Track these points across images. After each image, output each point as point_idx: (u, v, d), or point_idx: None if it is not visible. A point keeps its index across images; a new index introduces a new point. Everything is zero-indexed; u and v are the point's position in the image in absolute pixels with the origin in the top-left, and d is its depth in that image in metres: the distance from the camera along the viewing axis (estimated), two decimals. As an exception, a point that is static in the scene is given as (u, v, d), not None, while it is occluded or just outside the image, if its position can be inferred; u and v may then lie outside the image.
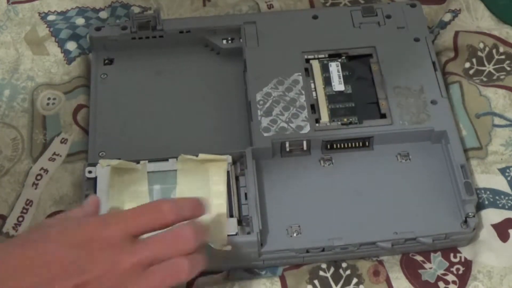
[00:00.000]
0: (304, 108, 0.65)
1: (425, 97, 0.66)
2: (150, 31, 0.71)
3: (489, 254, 0.61)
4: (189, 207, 0.53)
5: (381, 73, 0.67)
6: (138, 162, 0.62)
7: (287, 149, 0.64)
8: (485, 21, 0.75)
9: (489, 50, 0.72)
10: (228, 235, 0.58)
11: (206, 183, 0.61)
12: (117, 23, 0.72)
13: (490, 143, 0.67)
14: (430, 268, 0.62)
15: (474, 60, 0.72)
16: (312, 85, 0.67)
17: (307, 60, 0.69)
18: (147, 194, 0.60)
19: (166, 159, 0.62)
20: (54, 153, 0.67)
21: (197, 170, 0.61)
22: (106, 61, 0.71)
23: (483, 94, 0.69)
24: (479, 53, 0.72)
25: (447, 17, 0.75)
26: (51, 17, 0.76)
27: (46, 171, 0.66)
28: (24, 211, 0.64)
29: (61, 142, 0.67)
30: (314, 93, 0.67)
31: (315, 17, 0.72)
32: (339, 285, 0.61)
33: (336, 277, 0.61)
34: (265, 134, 0.64)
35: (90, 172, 0.61)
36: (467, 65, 0.72)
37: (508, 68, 0.71)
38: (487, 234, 0.62)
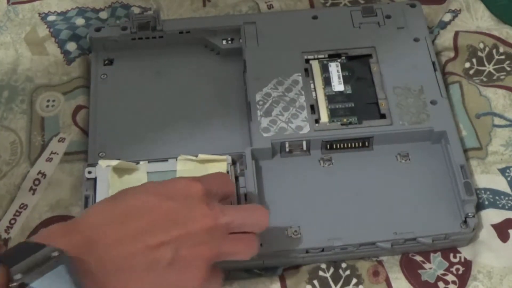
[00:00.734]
0: (304, 108, 0.65)
1: (425, 97, 0.66)
2: (150, 31, 0.71)
3: (489, 254, 0.61)
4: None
5: (381, 73, 0.67)
6: (138, 163, 0.62)
7: (287, 150, 0.64)
8: (485, 21, 0.75)
9: (489, 50, 0.72)
10: (228, 235, 0.58)
11: (205, 183, 0.61)
12: (117, 24, 0.72)
13: (490, 143, 0.67)
14: (430, 268, 0.62)
15: (474, 60, 0.72)
16: (312, 85, 0.67)
17: (307, 60, 0.68)
18: (147, 195, 0.60)
19: (166, 160, 0.62)
20: (52, 152, 0.67)
21: (197, 170, 0.61)
22: (106, 62, 0.71)
23: (483, 94, 0.69)
24: (479, 53, 0.72)
25: (447, 17, 0.75)
26: (51, 18, 0.76)
27: (44, 175, 0.65)
28: (17, 213, 0.64)
29: (59, 141, 0.67)
30: (313, 93, 0.67)
31: (315, 17, 0.72)
32: (339, 285, 0.61)
33: (336, 277, 0.61)
34: (265, 135, 0.64)
35: (90, 172, 0.62)
36: (467, 65, 0.72)
37: (508, 68, 0.71)
38: (487, 234, 0.62)
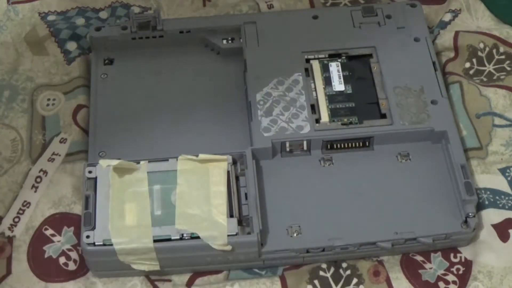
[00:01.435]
0: (304, 108, 0.65)
1: (425, 97, 0.66)
2: (150, 31, 0.71)
3: (489, 254, 0.61)
4: None
5: (381, 73, 0.67)
6: (138, 162, 0.62)
7: (287, 149, 0.64)
8: (485, 21, 0.75)
9: (489, 50, 0.72)
10: (228, 235, 0.58)
11: (206, 183, 0.61)
12: (117, 23, 0.72)
13: (490, 143, 0.67)
14: (430, 268, 0.62)
15: (474, 60, 0.72)
16: (312, 85, 0.67)
17: (307, 60, 0.68)
18: (147, 194, 0.60)
19: (166, 159, 0.62)
20: (53, 153, 0.67)
21: (197, 170, 0.61)
22: (106, 61, 0.71)
23: (483, 94, 0.69)
24: (479, 53, 0.72)
25: (447, 17, 0.75)
26: (51, 17, 0.76)
27: (45, 172, 0.66)
28: (21, 211, 0.64)
29: (60, 142, 0.68)
30: (314, 93, 0.67)
31: (315, 17, 0.72)
32: (339, 285, 0.61)
33: (336, 277, 0.61)
34: (265, 134, 0.64)
35: (90, 172, 0.62)
36: (467, 65, 0.72)
37: (508, 68, 0.71)
38: (487, 234, 0.62)
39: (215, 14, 0.77)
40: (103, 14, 0.77)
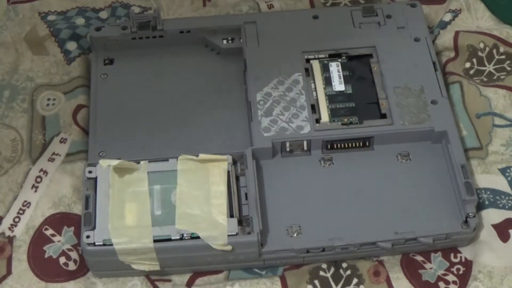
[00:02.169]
0: (305, 108, 0.65)
1: (426, 97, 0.66)
2: (150, 31, 0.71)
3: (489, 254, 0.61)
4: None
5: (381, 73, 0.67)
6: (138, 162, 0.62)
7: (288, 149, 0.64)
8: (485, 21, 0.75)
9: (489, 50, 0.72)
10: (228, 235, 0.58)
11: (206, 183, 0.61)
12: (117, 23, 0.72)
13: (490, 143, 0.67)
14: (431, 268, 0.62)
15: (474, 60, 0.72)
16: (313, 85, 0.67)
17: (308, 60, 0.68)
18: (147, 194, 0.60)
19: (166, 159, 0.62)
20: (54, 153, 0.67)
21: (198, 170, 0.61)
22: (106, 61, 0.71)
23: (483, 94, 0.69)
24: (480, 53, 0.72)
25: (447, 17, 0.75)
26: (51, 17, 0.76)
27: (45, 172, 0.66)
28: (21, 211, 0.64)
29: (61, 142, 0.68)
30: (314, 93, 0.67)
31: (315, 17, 0.72)
32: (339, 285, 0.61)
33: (337, 277, 0.61)
34: (266, 134, 0.64)
35: (90, 172, 0.61)
36: (468, 65, 0.72)
37: (509, 68, 0.71)
38: (488, 234, 0.62)
39: (215, 14, 0.77)
40: (103, 14, 0.77)
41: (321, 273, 0.61)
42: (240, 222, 0.60)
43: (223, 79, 0.70)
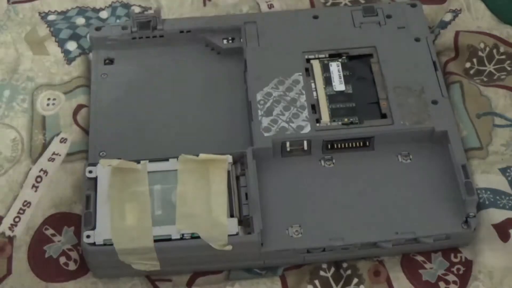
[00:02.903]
0: (305, 108, 0.65)
1: (426, 97, 0.66)
2: (150, 31, 0.71)
3: (489, 254, 0.61)
4: None
5: (382, 73, 0.67)
6: (138, 162, 0.62)
7: (288, 149, 0.64)
8: (486, 21, 0.75)
9: (490, 50, 0.72)
10: (229, 235, 0.58)
11: (206, 183, 0.61)
12: (117, 23, 0.72)
13: (490, 143, 0.67)
14: (431, 268, 0.62)
15: (474, 60, 0.72)
16: (313, 85, 0.67)
17: (308, 60, 0.68)
18: (147, 194, 0.60)
19: (167, 159, 0.62)
20: (54, 153, 0.67)
21: (198, 170, 0.61)
22: (106, 61, 0.71)
23: (483, 94, 0.69)
24: (480, 53, 0.72)
25: (448, 17, 0.75)
26: (51, 17, 0.76)
27: (46, 172, 0.66)
28: (21, 211, 0.64)
29: (61, 142, 0.68)
30: (314, 93, 0.67)
31: (315, 17, 0.72)
32: (340, 285, 0.61)
33: (337, 277, 0.61)
34: (266, 134, 0.64)
35: (90, 172, 0.61)
36: (468, 65, 0.72)
37: (509, 68, 0.71)
38: (488, 234, 0.62)
39: (215, 14, 0.77)
40: (103, 14, 0.77)
41: (322, 273, 0.61)
42: (240, 222, 0.60)
43: (223, 79, 0.70)
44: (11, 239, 0.63)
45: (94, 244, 0.58)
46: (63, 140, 0.68)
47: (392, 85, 0.67)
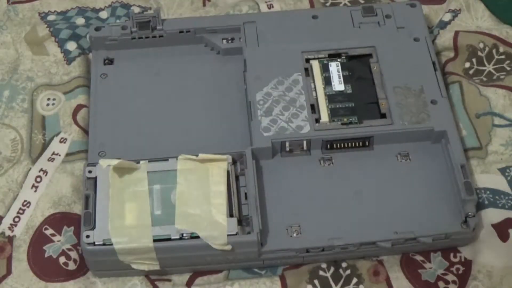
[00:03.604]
0: (304, 108, 0.65)
1: (425, 97, 0.66)
2: (150, 31, 0.71)
3: (489, 254, 0.61)
4: None
5: (381, 73, 0.67)
6: (138, 162, 0.62)
7: (287, 149, 0.64)
8: (485, 21, 0.75)
9: (489, 50, 0.72)
10: (228, 235, 0.58)
11: (206, 183, 0.61)
12: (117, 23, 0.72)
13: (490, 143, 0.67)
14: (430, 268, 0.62)
15: (474, 60, 0.72)
16: (312, 85, 0.67)
17: (307, 60, 0.69)
18: (147, 194, 0.60)
19: (166, 159, 0.62)
20: (53, 153, 0.67)
21: (197, 170, 0.61)
22: (106, 61, 0.71)
23: (483, 94, 0.69)
24: (479, 53, 0.72)
25: (447, 17, 0.75)
26: (51, 17, 0.76)
27: (45, 172, 0.66)
28: (21, 211, 0.64)
29: (60, 142, 0.68)
30: (314, 93, 0.67)
31: (315, 17, 0.72)
32: (339, 285, 0.61)
33: (336, 277, 0.61)
34: (265, 134, 0.64)
35: (90, 172, 0.62)
36: (467, 65, 0.72)
37: (508, 68, 0.71)
38: (487, 234, 0.62)
39: (215, 14, 0.77)
40: (103, 14, 0.77)
41: (321, 272, 0.61)
42: (239, 222, 0.60)
43: (223, 79, 0.70)
44: (11, 239, 0.63)
45: (93, 244, 0.58)
46: (63, 140, 0.68)
47: (392, 85, 0.67)
